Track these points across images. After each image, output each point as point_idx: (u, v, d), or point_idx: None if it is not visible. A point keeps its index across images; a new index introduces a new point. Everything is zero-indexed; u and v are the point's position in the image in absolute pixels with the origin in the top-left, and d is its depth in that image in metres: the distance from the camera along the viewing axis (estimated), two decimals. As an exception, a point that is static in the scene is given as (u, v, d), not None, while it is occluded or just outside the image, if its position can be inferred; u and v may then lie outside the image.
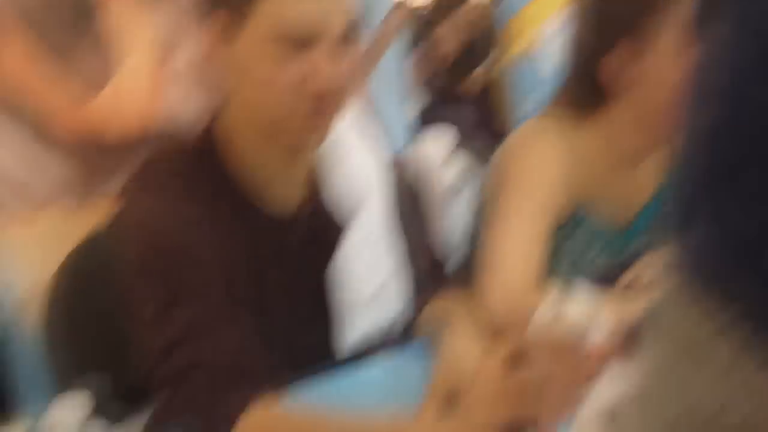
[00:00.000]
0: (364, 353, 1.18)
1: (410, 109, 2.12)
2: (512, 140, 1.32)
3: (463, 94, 3.90)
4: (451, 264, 1.31)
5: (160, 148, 1.07)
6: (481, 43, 4.18)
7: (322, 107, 0.96)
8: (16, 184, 1.50)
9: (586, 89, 1.27)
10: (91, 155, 1.53)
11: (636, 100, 1.23)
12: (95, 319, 1.22)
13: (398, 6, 1.95)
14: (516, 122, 2.17)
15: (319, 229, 1.10)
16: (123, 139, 1.56)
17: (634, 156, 1.32)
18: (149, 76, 1.53)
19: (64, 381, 1.18)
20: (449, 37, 3.55)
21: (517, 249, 1.18)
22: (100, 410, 0.67)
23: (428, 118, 3.47)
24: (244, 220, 1.03)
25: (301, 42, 0.93)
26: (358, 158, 1.17)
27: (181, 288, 0.93)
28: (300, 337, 1.08)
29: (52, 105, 1.50)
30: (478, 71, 3.84)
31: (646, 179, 1.36)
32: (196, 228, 0.97)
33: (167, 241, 0.95)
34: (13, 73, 1.47)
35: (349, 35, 0.96)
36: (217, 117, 1.06)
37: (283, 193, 1.07)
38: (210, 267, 0.96)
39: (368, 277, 1.14)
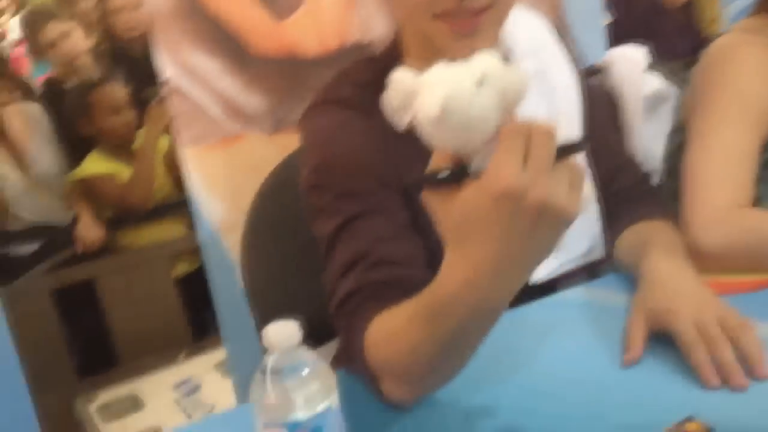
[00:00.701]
0: (556, 280, 1.13)
1: (608, 19, 1.99)
2: (716, 46, 1.20)
3: (666, 4, 3.61)
4: (652, 183, 1.20)
5: (349, 63, 1.05)
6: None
7: (464, 3, 0.89)
8: (215, 113, 1.57)
9: None
10: (288, 76, 1.57)
11: None
12: (288, 249, 1.26)
13: None
14: (723, 28, 1.97)
15: None
16: (319, 56, 1.58)
17: None
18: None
19: (261, 309, 1.23)
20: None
21: (725, 165, 1.08)
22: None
23: (629, 28, 3.26)
24: None
25: None
26: (553, 68, 1.10)
27: (354, 205, 0.92)
28: None
29: (250, 26, 1.54)
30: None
31: None
32: (374, 142, 0.95)
33: (340, 154, 0.94)
34: (213, 4, 1.51)
35: None
36: (400, 29, 1.03)
37: None
38: (388, 183, 0.94)
39: None
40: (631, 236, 1.07)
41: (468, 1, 0.88)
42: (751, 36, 1.18)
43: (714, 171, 1.07)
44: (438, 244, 0.97)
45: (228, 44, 1.55)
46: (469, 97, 0.60)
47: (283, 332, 0.66)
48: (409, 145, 0.99)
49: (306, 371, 0.66)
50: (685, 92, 1.31)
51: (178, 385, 2.55)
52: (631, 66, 1.41)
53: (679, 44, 3.34)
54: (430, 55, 0.96)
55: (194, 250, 2.70)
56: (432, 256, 0.93)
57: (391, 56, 1.02)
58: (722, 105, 1.12)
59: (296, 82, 1.59)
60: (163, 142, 2.83)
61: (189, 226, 2.77)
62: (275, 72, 1.58)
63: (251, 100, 1.58)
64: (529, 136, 0.61)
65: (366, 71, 1.01)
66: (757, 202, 1.12)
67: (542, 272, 1.06)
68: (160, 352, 2.69)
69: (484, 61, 0.62)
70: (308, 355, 0.67)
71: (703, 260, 1.00)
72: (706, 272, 0.97)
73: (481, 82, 0.60)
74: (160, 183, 2.86)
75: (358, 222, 0.91)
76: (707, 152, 1.10)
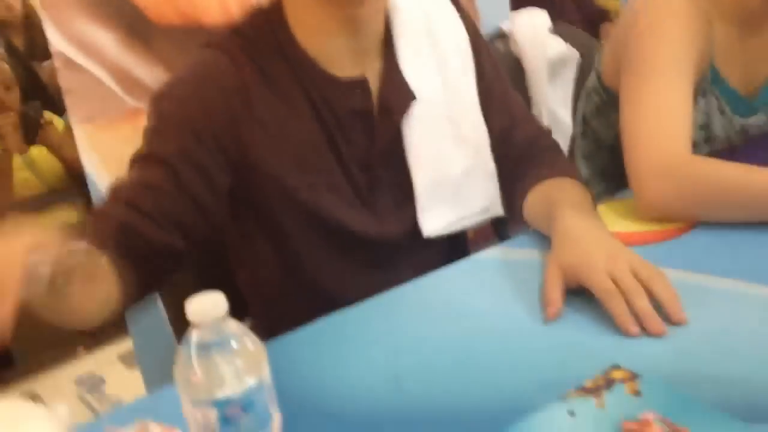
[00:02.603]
0: (467, 241, 1.15)
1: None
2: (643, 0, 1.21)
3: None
4: (549, 141, 1.22)
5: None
6: None
7: None
8: (112, 87, 1.50)
9: None
10: (190, 46, 1.52)
11: None
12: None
13: None
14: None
15: (391, 98, 1.06)
16: (222, 24, 1.54)
17: (763, 17, 1.20)
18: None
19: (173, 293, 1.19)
20: None
21: (664, 115, 1.08)
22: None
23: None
24: (304, 79, 1.01)
25: None
26: (442, 27, 1.10)
27: (168, 145, 0.97)
28: (371, 208, 1.07)
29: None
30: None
31: None
32: (228, 92, 0.98)
33: (190, 97, 0.98)
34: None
35: None
36: None
37: (348, 56, 1.03)
38: (220, 138, 0.98)
39: (451, 156, 1.09)
40: (538, 196, 1.09)
41: None
42: None
43: (654, 122, 1.08)
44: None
45: (125, 14, 1.48)
46: None
47: (208, 303, 0.63)
48: (269, 94, 1.00)
49: (234, 344, 0.64)
50: (602, 53, 1.32)
51: (80, 381, 2.45)
52: (534, 30, 1.44)
53: (573, 14, 3.42)
54: (314, 4, 0.98)
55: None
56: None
57: (273, 7, 1.03)
58: (653, 56, 1.13)
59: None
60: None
61: (84, 213, 2.66)
62: (176, 42, 1.52)
63: (150, 72, 1.52)
64: None
65: (244, 19, 1.04)
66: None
67: (438, 223, 1.08)
68: (58, 347, 2.57)
69: None
70: (235, 327, 0.65)
71: (651, 211, 1.03)
72: (655, 223, 1.00)
73: None
74: (50, 169, 2.72)
75: (154, 162, 0.96)
76: (644, 104, 1.10)
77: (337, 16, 0.99)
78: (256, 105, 0.99)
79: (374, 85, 1.05)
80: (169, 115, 0.98)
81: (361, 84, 1.04)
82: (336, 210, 1.04)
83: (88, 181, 1.54)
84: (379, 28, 1.06)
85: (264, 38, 1.01)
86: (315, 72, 1.02)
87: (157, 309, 1.19)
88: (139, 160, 0.97)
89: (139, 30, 1.50)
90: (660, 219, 1.03)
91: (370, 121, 1.05)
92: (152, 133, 0.98)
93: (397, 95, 1.06)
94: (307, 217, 1.03)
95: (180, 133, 0.96)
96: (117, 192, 0.95)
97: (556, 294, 0.87)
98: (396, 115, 1.06)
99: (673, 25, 1.14)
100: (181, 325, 0.81)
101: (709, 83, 1.21)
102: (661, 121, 1.07)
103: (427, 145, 1.08)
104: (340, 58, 1.03)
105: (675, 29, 1.14)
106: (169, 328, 1.16)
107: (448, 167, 1.10)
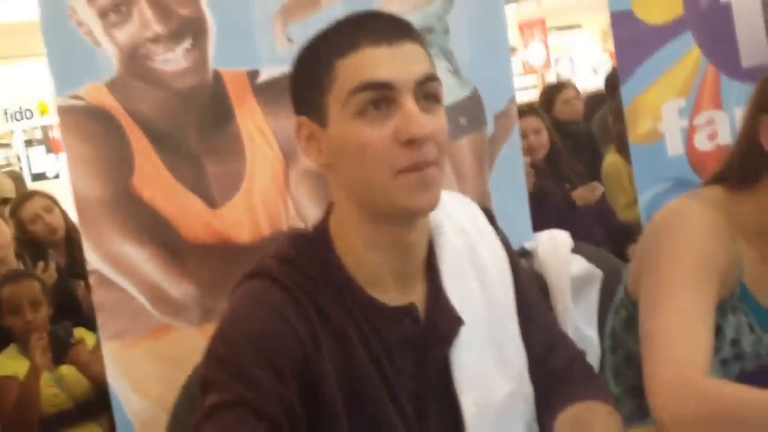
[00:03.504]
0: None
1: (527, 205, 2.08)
2: (666, 210, 1.24)
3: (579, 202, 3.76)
4: (585, 365, 1.19)
5: (277, 245, 1.06)
6: (581, 136, 4.11)
7: (420, 155, 0.92)
8: (142, 303, 1.53)
9: (749, 160, 1.20)
10: (219, 263, 1.56)
11: None
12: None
13: (510, 104, 1.94)
14: (642, 209, 2.08)
15: (440, 324, 1.04)
16: (251, 242, 1.59)
17: None
18: (277, 179, 1.56)
19: None
20: (537, 129, 3.46)
21: (683, 330, 1.06)
22: None
23: (545, 221, 3.38)
24: (353, 308, 0.99)
25: (381, 94, 0.92)
26: (483, 246, 1.12)
27: (247, 392, 0.91)
28: None
29: (184, 214, 1.55)
30: (575, 166, 3.71)
31: None
32: (286, 322, 0.95)
33: (250, 336, 0.94)
34: (147, 194, 1.53)
35: (428, 89, 0.95)
36: (329, 211, 1.05)
37: (395, 280, 1.02)
38: (287, 370, 0.93)
39: (495, 382, 1.06)
40: (568, 424, 1.05)
41: (424, 153, 0.92)
42: (704, 196, 1.22)
43: (671, 339, 1.05)
44: None
45: (159, 232, 1.54)
46: None
47: None
48: (322, 325, 0.97)
49: None
50: (630, 266, 1.33)
51: None
52: (557, 249, 1.46)
53: (593, 231, 3.46)
54: (369, 217, 0.98)
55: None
56: None
57: (318, 235, 1.03)
58: (676, 267, 1.13)
59: (227, 270, 1.57)
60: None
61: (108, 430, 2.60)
62: (206, 259, 1.57)
63: (180, 288, 1.55)
64: None
65: (289, 247, 1.03)
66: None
67: None
68: None
69: None
70: None
71: (667, 429, 0.99)
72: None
73: None
74: (77, 386, 2.70)
75: (241, 411, 0.91)
76: (662, 320, 1.08)
77: (386, 239, 0.99)
78: (318, 339, 0.96)
79: (420, 309, 1.03)
80: (245, 355, 0.93)
81: (410, 311, 1.02)
82: None
83: (113, 400, 1.53)
84: (424, 250, 1.05)
85: (313, 267, 1.00)
86: (364, 300, 1.00)
87: None
88: (225, 407, 0.92)
89: (171, 247, 1.55)
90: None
91: (419, 349, 1.02)
92: (231, 377, 0.93)
93: (445, 320, 1.04)
94: None
95: (262, 374, 0.92)
96: None
97: None
98: (445, 342, 1.03)
99: (693, 239, 1.15)
100: None
101: (738, 299, 1.20)
102: (677, 338, 1.05)
103: (472, 372, 1.04)
104: (387, 282, 1.01)
105: (695, 242, 1.15)
106: None
107: (493, 394, 1.06)
